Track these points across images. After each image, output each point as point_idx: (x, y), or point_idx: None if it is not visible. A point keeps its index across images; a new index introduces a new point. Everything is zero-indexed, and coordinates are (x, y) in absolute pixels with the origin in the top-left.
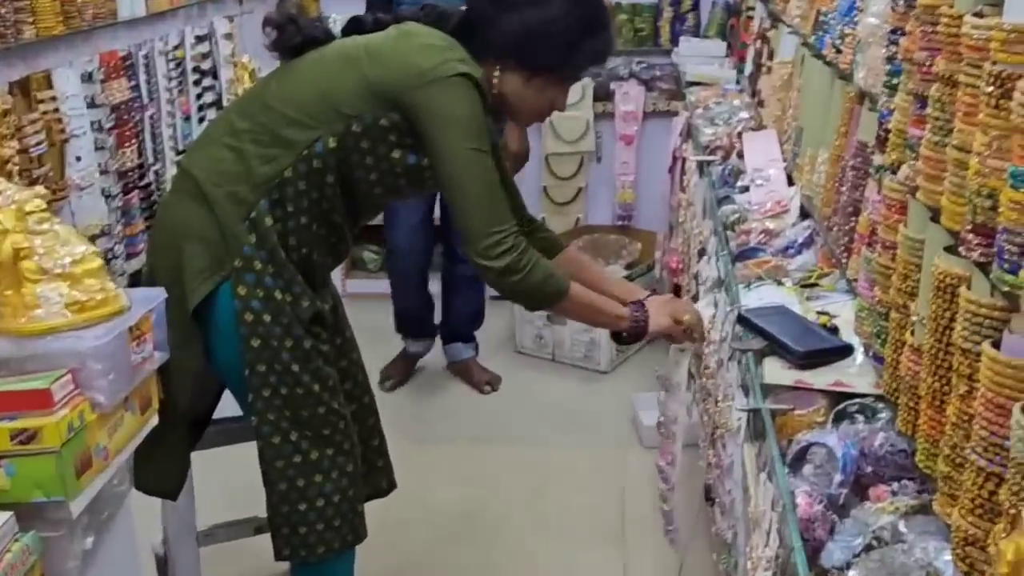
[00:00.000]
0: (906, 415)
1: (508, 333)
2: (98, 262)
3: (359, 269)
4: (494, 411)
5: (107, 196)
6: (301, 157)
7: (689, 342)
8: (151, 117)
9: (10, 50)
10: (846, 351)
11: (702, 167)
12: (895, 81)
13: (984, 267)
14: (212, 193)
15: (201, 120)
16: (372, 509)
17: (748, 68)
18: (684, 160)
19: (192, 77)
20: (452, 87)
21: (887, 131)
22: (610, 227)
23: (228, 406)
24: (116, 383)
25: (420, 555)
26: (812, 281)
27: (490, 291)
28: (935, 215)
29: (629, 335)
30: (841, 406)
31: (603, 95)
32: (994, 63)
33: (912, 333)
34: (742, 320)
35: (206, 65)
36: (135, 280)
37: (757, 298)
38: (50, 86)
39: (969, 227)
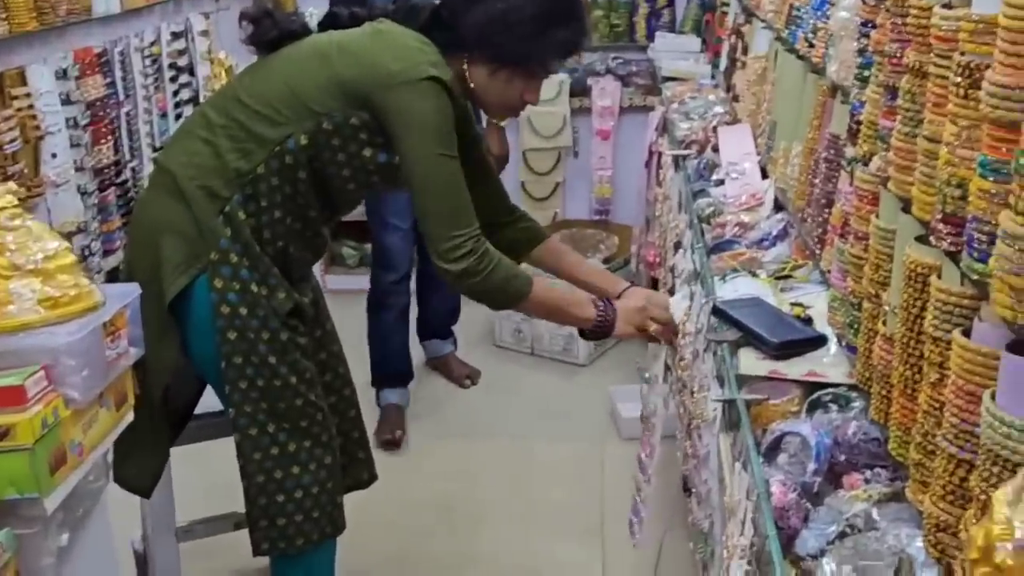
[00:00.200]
0: (878, 404)
1: (487, 327)
2: (71, 258)
3: (338, 265)
4: (473, 405)
5: (83, 193)
6: (273, 153)
7: (655, 343)
8: (127, 114)
9: None
10: (820, 341)
11: (678, 161)
12: (866, 73)
13: (954, 256)
14: (187, 188)
15: (178, 117)
16: (352, 503)
17: (723, 63)
18: (660, 154)
19: (168, 74)
20: (420, 91)
21: (859, 123)
22: (587, 221)
23: (211, 402)
24: (90, 379)
25: (400, 549)
26: (786, 273)
27: None
28: (906, 205)
29: (592, 333)
30: (815, 396)
31: (580, 90)
32: (963, 54)
33: (884, 323)
34: (717, 312)
35: (182, 62)
36: (112, 277)
37: (732, 290)
38: (24, 83)
39: (939, 216)
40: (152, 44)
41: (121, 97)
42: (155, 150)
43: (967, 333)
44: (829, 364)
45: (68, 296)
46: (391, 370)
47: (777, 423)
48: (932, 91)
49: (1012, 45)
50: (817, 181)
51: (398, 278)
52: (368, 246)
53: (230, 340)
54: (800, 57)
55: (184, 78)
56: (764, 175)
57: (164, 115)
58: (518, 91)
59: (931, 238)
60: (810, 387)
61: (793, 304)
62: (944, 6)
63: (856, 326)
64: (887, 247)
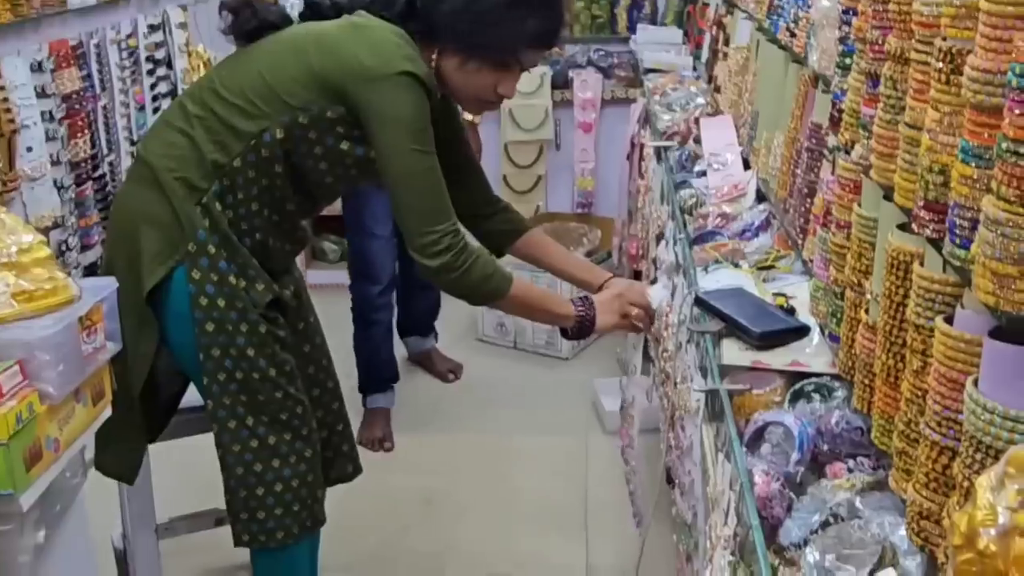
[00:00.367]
0: (861, 393)
1: (469, 322)
2: (46, 251)
3: (319, 260)
4: (456, 400)
5: (60, 187)
6: (250, 146)
7: (635, 332)
8: (104, 107)
9: None
10: (802, 331)
11: (660, 153)
12: (848, 61)
13: (936, 243)
14: (166, 179)
15: (156, 110)
16: (335, 497)
17: (705, 54)
18: (642, 146)
19: (146, 67)
20: (396, 86)
21: (840, 111)
22: (570, 215)
23: (197, 395)
24: (66, 374)
25: (382, 543)
26: (769, 263)
27: None
28: (888, 193)
29: (573, 332)
30: (798, 385)
31: (561, 83)
32: (944, 39)
33: (866, 311)
34: (699, 302)
35: (160, 54)
36: (91, 273)
37: (715, 281)
38: None
39: (921, 204)
40: (129, 36)
41: (98, 90)
42: (133, 144)
43: (949, 320)
44: (812, 354)
45: (43, 290)
46: (379, 376)
47: (760, 413)
48: (914, 77)
49: (993, 29)
50: (799, 171)
51: (383, 288)
52: None
53: (208, 332)
54: (782, 47)
55: (162, 71)
56: (746, 166)
57: (142, 108)
58: (490, 84)
59: (913, 225)
60: (793, 377)
61: (776, 294)
62: None
63: (839, 315)
64: (869, 235)
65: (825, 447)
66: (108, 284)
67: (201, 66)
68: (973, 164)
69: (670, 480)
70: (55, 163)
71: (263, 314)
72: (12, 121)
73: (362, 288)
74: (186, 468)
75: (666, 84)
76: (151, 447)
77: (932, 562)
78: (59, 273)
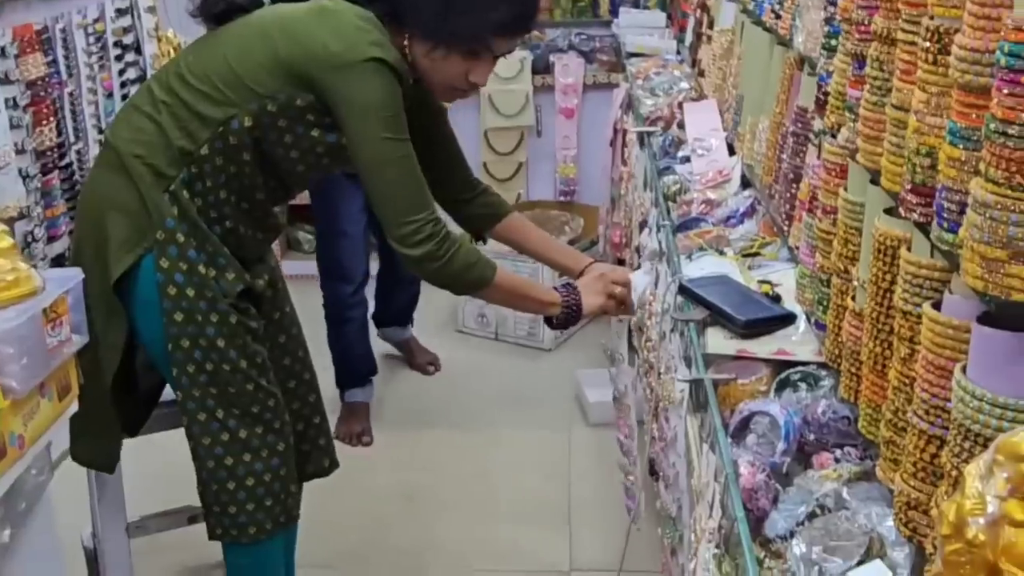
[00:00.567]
0: (848, 381)
1: (449, 313)
2: (8, 241)
3: (294, 250)
4: (436, 392)
5: (25, 177)
6: (217, 134)
7: (623, 315)
8: (71, 94)
9: None
10: (788, 319)
11: (643, 138)
12: (834, 43)
13: (924, 227)
14: (132, 165)
15: (124, 97)
16: (313, 493)
17: (688, 38)
18: (625, 132)
19: (114, 52)
20: (364, 73)
21: (826, 94)
22: (552, 202)
23: None
24: (30, 368)
25: (362, 540)
26: (754, 250)
27: None
28: (875, 177)
29: (560, 321)
30: (784, 374)
31: (542, 68)
32: (931, 18)
33: (853, 298)
34: (683, 290)
35: (128, 39)
36: (58, 264)
37: (699, 268)
38: None
39: (908, 187)
40: (96, 21)
41: (64, 76)
42: (101, 132)
43: (937, 306)
44: (798, 342)
45: (5, 281)
46: (356, 371)
47: (745, 403)
48: (900, 58)
49: (981, 7)
50: (785, 156)
51: (356, 288)
52: None
53: (177, 322)
54: (766, 29)
55: (130, 56)
56: (731, 151)
57: (110, 95)
58: (461, 72)
59: (900, 209)
60: (779, 366)
61: (761, 282)
62: None
63: (825, 303)
64: (856, 221)
65: (812, 437)
66: (73, 275)
67: (171, 51)
68: (961, 146)
69: (654, 472)
70: (20, 152)
71: (234, 304)
72: None
73: (335, 288)
74: (158, 465)
75: (649, 68)
76: (123, 443)
77: (920, 553)
78: (22, 264)
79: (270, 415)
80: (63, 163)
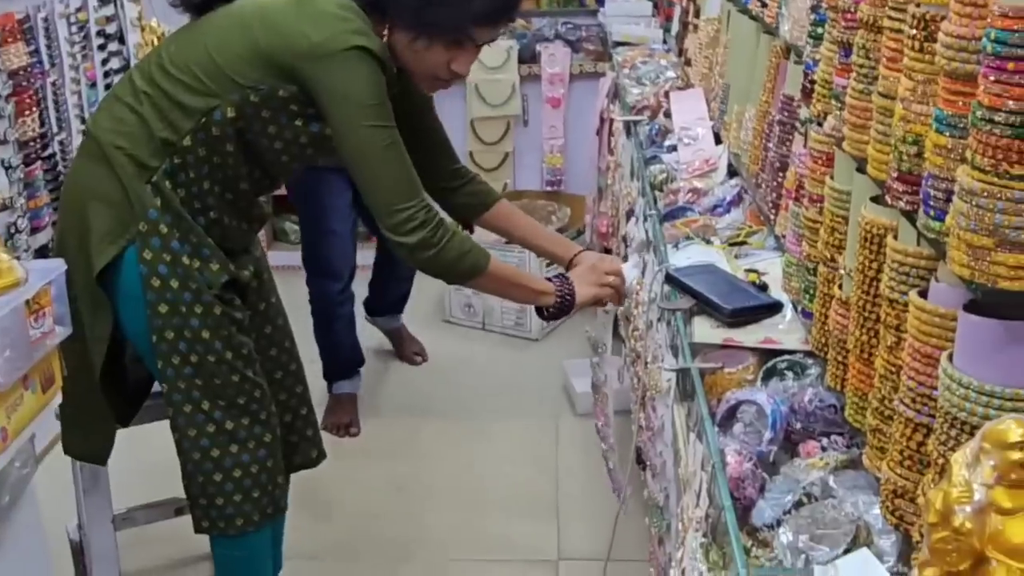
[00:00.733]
0: (835, 370)
1: (436, 302)
2: None
3: (281, 241)
4: (423, 383)
5: (7, 167)
6: (200, 124)
7: (614, 303)
8: (53, 84)
9: None
10: (775, 308)
11: (629, 128)
12: (820, 31)
13: (910, 216)
14: (114, 156)
15: (108, 87)
16: (301, 484)
17: (675, 27)
18: (611, 121)
19: (96, 42)
20: (345, 62)
21: (812, 82)
22: (539, 192)
23: None
24: (13, 360)
25: (350, 530)
26: (741, 239)
27: None
28: (861, 165)
29: (554, 311)
30: (770, 363)
31: (528, 57)
32: (918, 5)
33: (840, 287)
34: (670, 279)
35: (111, 29)
36: (42, 255)
37: (685, 257)
38: None
39: (895, 175)
40: (78, 10)
41: (46, 66)
42: (84, 122)
43: (924, 294)
44: (784, 331)
45: None
46: (344, 364)
47: (732, 392)
48: (886, 45)
49: None
50: (771, 145)
51: (343, 285)
52: None
53: (161, 314)
54: (753, 17)
55: (113, 46)
56: (717, 140)
57: (93, 85)
58: (443, 61)
59: (887, 198)
60: (766, 355)
61: (748, 271)
62: None
63: (811, 291)
64: (842, 209)
65: (798, 425)
66: (56, 266)
67: (155, 41)
68: (947, 133)
69: (641, 462)
70: (2, 142)
71: (218, 295)
72: None
73: (322, 285)
74: (144, 456)
75: (635, 57)
76: None
77: (907, 541)
78: (4, 255)
79: (256, 406)
80: (46, 153)
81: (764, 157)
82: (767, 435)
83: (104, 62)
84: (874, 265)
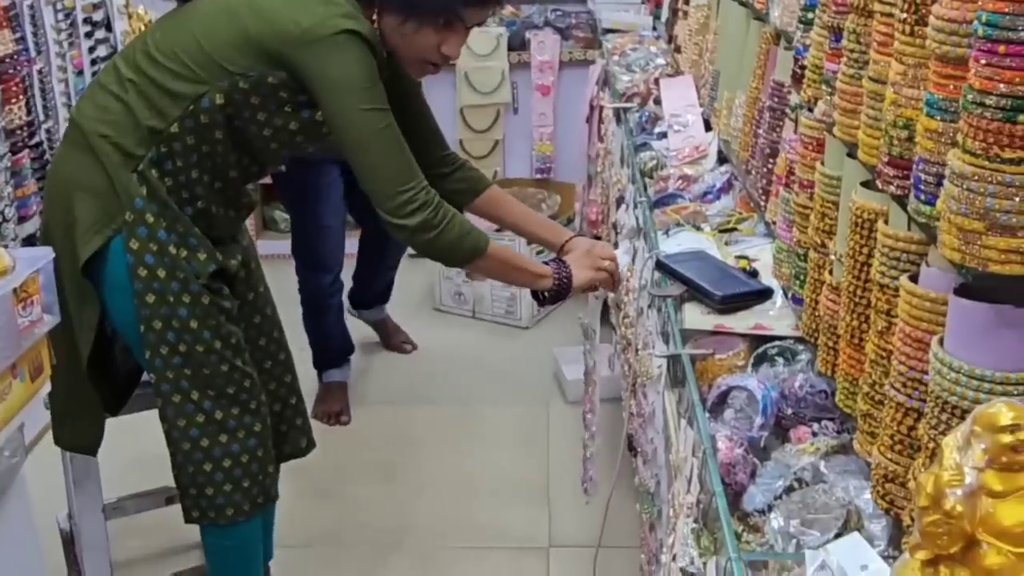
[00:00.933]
0: (825, 355)
1: (426, 291)
2: None
3: (271, 229)
4: (414, 371)
5: None
6: (188, 112)
7: (608, 289)
8: (40, 72)
9: None
10: (765, 294)
11: (619, 115)
12: (810, 16)
13: (901, 200)
14: (99, 145)
15: (95, 75)
16: (291, 472)
17: (664, 13)
18: (601, 108)
19: (83, 29)
20: (336, 47)
21: (803, 68)
22: (529, 180)
23: None
24: (1, 348)
25: (341, 519)
26: (731, 226)
27: (409, 248)
28: (852, 151)
29: (551, 295)
30: (761, 349)
31: (518, 44)
32: None
33: (830, 272)
34: (660, 266)
35: (98, 16)
36: (30, 245)
37: (676, 244)
38: None
39: (885, 160)
40: None
41: (32, 54)
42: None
43: (914, 279)
44: (775, 317)
45: None
46: (334, 353)
47: (723, 378)
48: (877, 30)
49: None
50: (761, 131)
51: (334, 278)
52: None
53: (148, 304)
54: (742, 3)
55: (100, 33)
56: (707, 127)
57: (80, 73)
58: (433, 44)
59: (877, 182)
60: (756, 340)
61: (738, 257)
62: None
63: (802, 277)
64: (833, 194)
65: (789, 411)
66: (44, 254)
67: (142, 28)
68: (938, 117)
69: (632, 448)
70: None
71: (206, 285)
72: None
73: (314, 278)
74: (134, 445)
75: (625, 44)
76: None
77: (897, 525)
78: None
79: (246, 395)
80: (33, 142)
81: (754, 143)
82: (758, 421)
83: (91, 50)
84: (865, 250)
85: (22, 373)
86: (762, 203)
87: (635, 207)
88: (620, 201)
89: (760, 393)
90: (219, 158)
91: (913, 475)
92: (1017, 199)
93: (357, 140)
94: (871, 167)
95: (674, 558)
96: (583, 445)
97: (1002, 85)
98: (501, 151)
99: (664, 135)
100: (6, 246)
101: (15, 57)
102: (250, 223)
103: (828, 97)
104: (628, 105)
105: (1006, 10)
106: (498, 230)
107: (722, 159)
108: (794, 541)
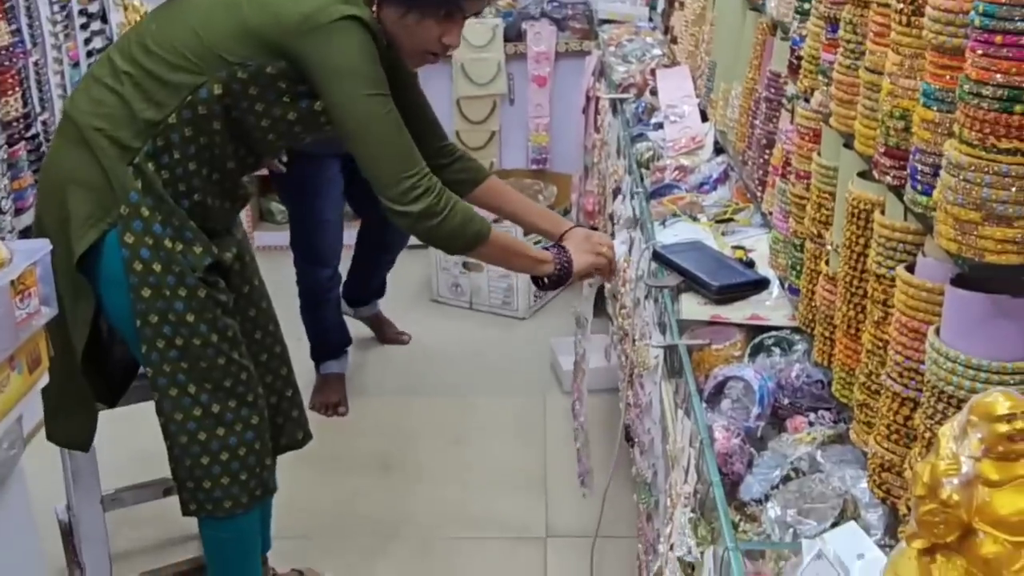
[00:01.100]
0: (822, 346)
1: (424, 282)
2: None
3: (267, 221)
4: (411, 361)
5: None
6: (185, 103)
7: (604, 277)
8: (36, 64)
9: None
10: (762, 284)
11: (616, 105)
12: (807, 6)
13: (897, 190)
14: (94, 138)
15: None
16: (289, 463)
17: (660, 4)
18: (598, 99)
19: (79, 21)
20: (337, 33)
21: (799, 58)
22: (525, 171)
23: None
24: None
25: (339, 510)
26: (727, 216)
27: (411, 240)
28: (848, 141)
29: (552, 280)
30: (757, 339)
31: (514, 36)
32: None
33: (827, 263)
34: (657, 257)
35: (94, 8)
36: (26, 236)
37: (672, 235)
38: None
39: (882, 150)
40: None
41: (28, 46)
42: None
43: (911, 269)
44: (771, 307)
45: None
46: (332, 345)
47: (720, 368)
48: (874, 20)
49: None
50: (757, 122)
51: (332, 271)
52: None
53: (144, 298)
54: None
55: (96, 25)
56: (704, 117)
57: (76, 65)
58: (435, 35)
59: (874, 172)
60: (753, 331)
61: (735, 247)
62: None
63: (798, 268)
64: (829, 185)
65: (786, 401)
66: (41, 246)
67: (138, 20)
68: (935, 108)
69: (629, 439)
70: None
71: (202, 278)
72: None
73: (313, 273)
74: (132, 437)
75: (621, 35)
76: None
77: (894, 514)
78: None
79: (243, 388)
80: (29, 134)
81: (750, 134)
82: (755, 411)
83: (87, 42)
84: (861, 240)
85: (20, 365)
86: (758, 193)
87: (632, 197)
88: (617, 191)
89: (757, 383)
90: (217, 149)
91: (909, 464)
92: (1013, 189)
93: (362, 127)
94: (867, 157)
95: (672, 547)
96: (574, 436)
97: (998, 75)
98: (497, 142)
99: (660, 126)
100: (3, 238)
101: (11, 49)
102: (246, 215)
103: (825, 88)
104: (624, 96)
105: (1003, 1)
106: (496, 220)
107: (718, 150)
108: (791, 530)
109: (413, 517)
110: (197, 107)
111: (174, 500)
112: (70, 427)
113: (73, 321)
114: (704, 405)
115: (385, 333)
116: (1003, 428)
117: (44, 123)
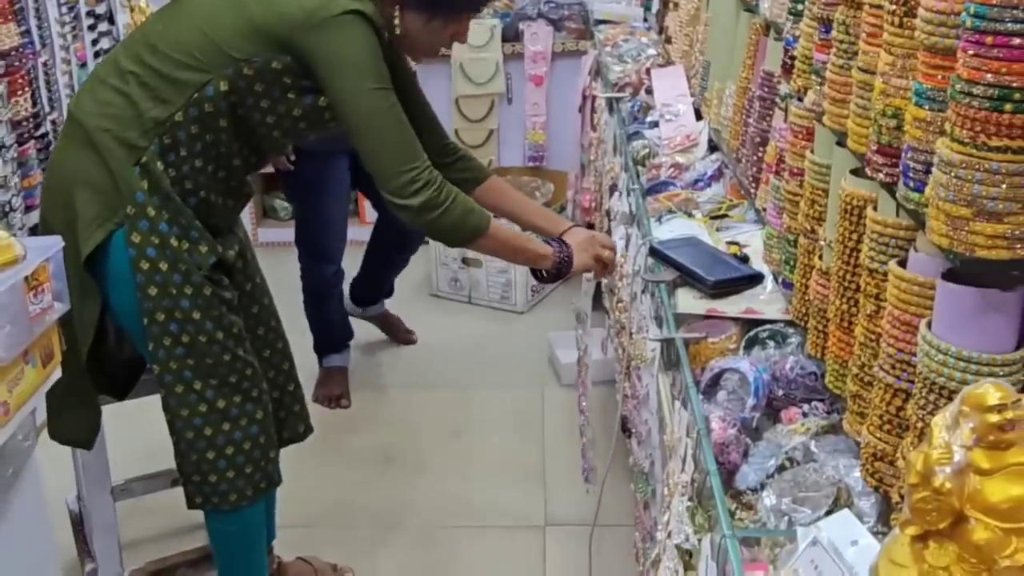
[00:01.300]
0: (815, 338)
1: (423, 277)
2: None
3: (270, 217)
4: (412, 355)
5: (1, 147)
6: (192, 100)
7: (602, 275)
8: (44, 64)
9: None
10: (756, 279)
11: (612, 104)
12: (800, 7)
13: (890, 187)
14: (100, 139)
15: None
16: (292, 456)
17: (655, 5)
18: (594, 98)
19: (87, 22)
20: (341, 27)
21: (792, 58)
22: (522, 168)
23: None
24: (13, 335)
25: (342, 501)
26: (722, 212)
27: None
28: (841, 139)
29: (551, 274)
30: (752, 333)
31: (512, 36)
32: None
33: (820, 258)
34: (654, 252)
35: (101, 9)
36: (36, 234)
37: (668, 231)
38: None
39: (875, 148)
40: None
41: (37, 47)
42: None
43: (903, 264)
44: (766, 301)
45: None
46: (335, 339)
47: (716, 361)
48: (866, 21)
49: None
50: (751, 120)
51: (336, 268)
52: None
53: (151, 296)
54: None
55: (103, 26)
56: (698, 116)
57: (84, 65)
58: (448, 35)
59: (867, 170)
60: (747, 324)
61: (729, 243)
62: None
63: (792, 262)
64: (822, 182)
65: (780, 392)
66: (54, 243)
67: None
68: (927, 107)
69: (626, 429)
70: None
71: (208, 276)
72: None
73: (318, 269)
74: (141, 429)
75: (617, 35)
76: (106, 407)
77: (886, 502)
78: (2, 232)
79: (248, 384)
80: (39, 133)
81: (744, 132)
82: (750, 402)
83: (94, 42)
84: (854, 236)
85: (34, 359)
86: (752, 190)
87: (628, 194)
88: (613, 189)
89: (752, 375)
90: (223, 147)
91: (901, 454)
92: (1004, 186)
93: (366, 119)
94: (860, 155)
95: (669, 535)
96: (580, 432)
97: (989, 75)
98: (495, 140)
99: (656, 124)
100: (14, 235)
101: (20, 50)
102: (250, 211)
103: (818, 87)
104: (620, 95)
105: (993, 2)
106: (496, 218)
107: (713, 147)
108: (786, 518)
109: (414, 506)
110: (203, 104)
111: (182, 490)
112: (73, 425)
113: (79, 321)
114: (701, 396)
115: (396, 333)
116: (994, 418)
117: (53, 122)
